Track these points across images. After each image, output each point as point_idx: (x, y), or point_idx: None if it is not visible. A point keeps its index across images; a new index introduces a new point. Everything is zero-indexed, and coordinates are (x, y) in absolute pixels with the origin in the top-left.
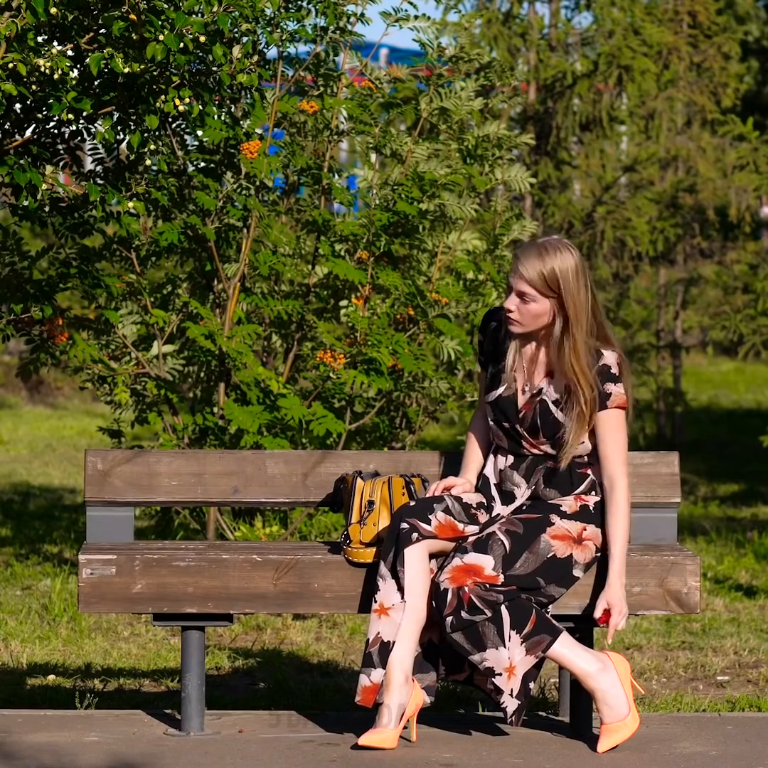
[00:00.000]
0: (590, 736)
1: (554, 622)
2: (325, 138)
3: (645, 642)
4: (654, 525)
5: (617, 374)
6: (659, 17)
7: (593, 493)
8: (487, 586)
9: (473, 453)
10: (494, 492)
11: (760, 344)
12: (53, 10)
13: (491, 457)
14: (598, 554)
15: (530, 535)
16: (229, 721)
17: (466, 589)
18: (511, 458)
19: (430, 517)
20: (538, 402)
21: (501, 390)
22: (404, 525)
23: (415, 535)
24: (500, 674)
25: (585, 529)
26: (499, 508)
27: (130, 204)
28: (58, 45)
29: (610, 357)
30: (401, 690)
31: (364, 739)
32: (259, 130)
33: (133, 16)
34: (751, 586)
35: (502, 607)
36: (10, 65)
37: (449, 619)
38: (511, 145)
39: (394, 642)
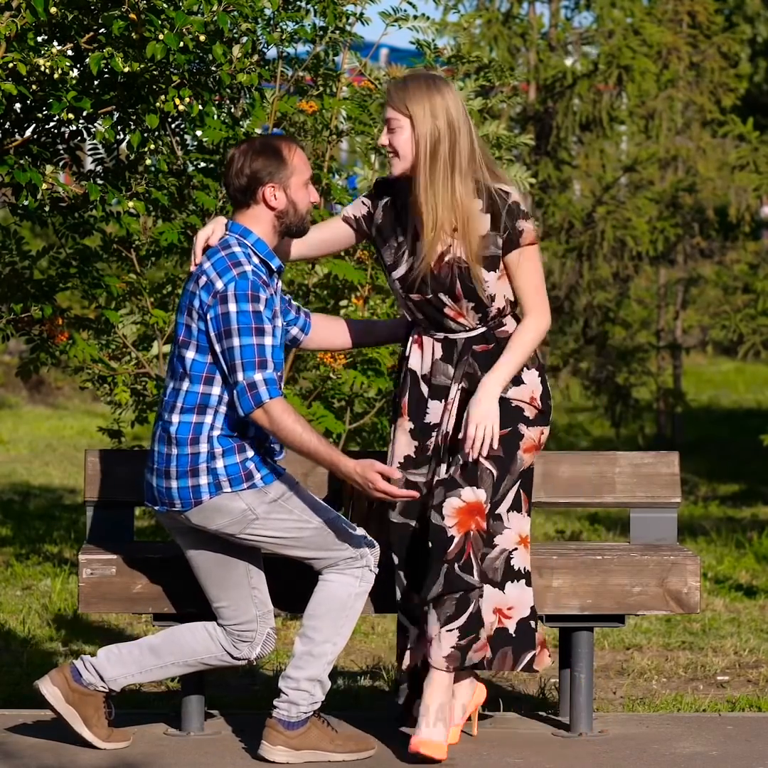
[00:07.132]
0: (591, 736)
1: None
2: (324, 138)
3: (645, 642)
4: (654, 525)
5: (526, 210)
6: (659, 17)
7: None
8: (483, 554)
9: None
10: (423, 386)
11: (760, 344)
12: (53, 10)
13: (415, 348)
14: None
15: (510, 456)
16: (229, 721)
17: (470, 535)
18: (439, 349)
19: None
20: (454, 261)
21: (405, 267)
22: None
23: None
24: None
25: (542, 434)
26: (433, 411)
27: (130, 204)
28: (58, 45)
29: (515, 194)
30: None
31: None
32: (258, 130)
33: (133, 16)
34: (751, 586)
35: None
36: (10, 65)
37: (446, 566)
38: (510, 145)
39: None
